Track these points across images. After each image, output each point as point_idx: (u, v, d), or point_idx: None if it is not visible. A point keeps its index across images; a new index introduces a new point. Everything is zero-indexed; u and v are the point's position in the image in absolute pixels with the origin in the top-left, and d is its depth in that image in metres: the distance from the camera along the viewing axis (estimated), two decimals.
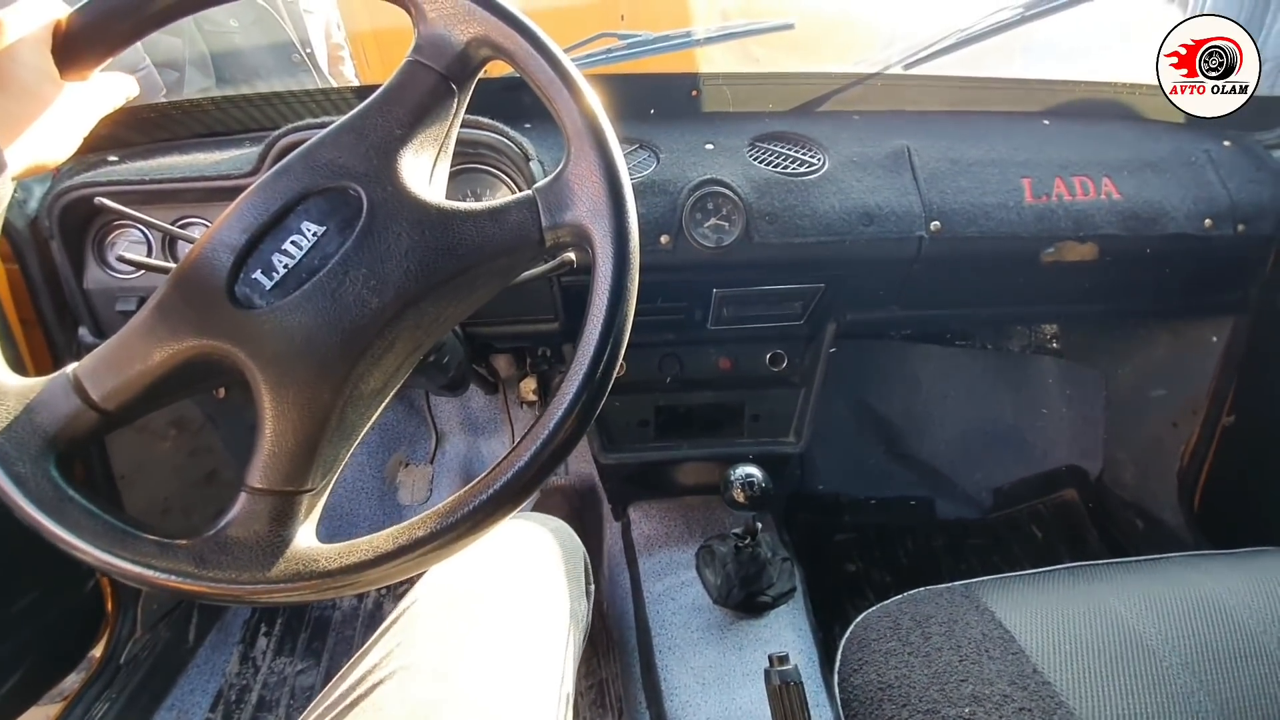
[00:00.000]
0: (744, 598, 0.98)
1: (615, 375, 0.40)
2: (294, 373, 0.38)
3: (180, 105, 0.85)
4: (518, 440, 0.40)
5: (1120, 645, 0.57)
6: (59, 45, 0.43)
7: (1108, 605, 0.61)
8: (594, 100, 0.42)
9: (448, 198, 0.43)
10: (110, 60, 0.46)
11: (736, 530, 0.96)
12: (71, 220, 0.76)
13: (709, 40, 0.90)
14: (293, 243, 0.39)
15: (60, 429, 0.37)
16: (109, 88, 0.48)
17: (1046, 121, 0.93)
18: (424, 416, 1.47)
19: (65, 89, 0.44)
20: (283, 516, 0.38)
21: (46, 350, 0.84)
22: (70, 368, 0.39)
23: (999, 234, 0.82)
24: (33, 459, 0.37)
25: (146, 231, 0.78)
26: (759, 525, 0.95)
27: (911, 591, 0.68)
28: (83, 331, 0.81)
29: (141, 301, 0.76)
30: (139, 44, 0.54)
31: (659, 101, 0.89)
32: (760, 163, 0.83)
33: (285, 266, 0.39)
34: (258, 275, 0.39)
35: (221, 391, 1.10)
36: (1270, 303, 0.97)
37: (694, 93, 0.89)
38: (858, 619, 0.66)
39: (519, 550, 0.66)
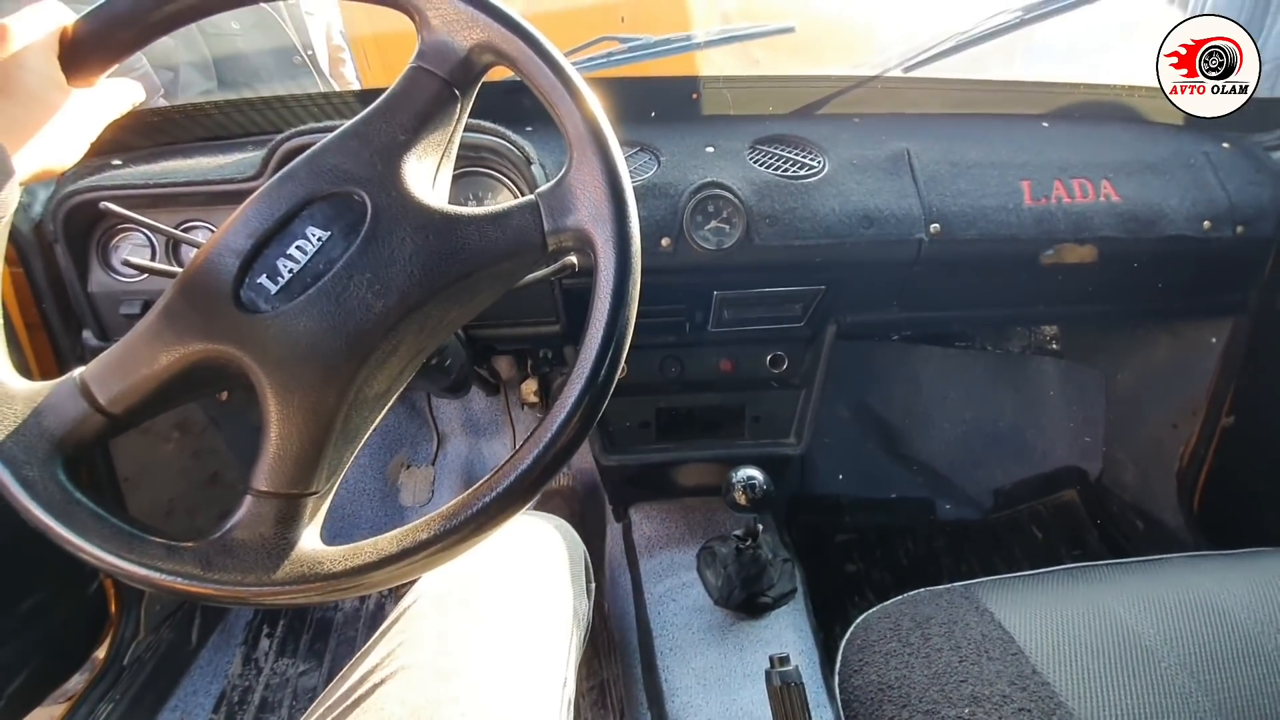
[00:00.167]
0: (745, 599, 0.98)
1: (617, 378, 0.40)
2: (299, 377, 0.38)
3: (183, 109, 0.86)
4: (521, 443, 0.40)
5: (1119, 646, 0.57)
6: (65, 52, 0.44)
7: (1107, 606, 0.61)
8: (596, 106, 0.42)
9: (449, 201, 0.44)
10: (116, 66, 0.47)
11: (737, 531, 0.97)
12: (76, 224, 0.76)
13: (709, 43, 0.90)
14: (298, 248, 0.40)
15: (67, 433, 0.38)
16: (115, 93, 0.49)
17: (1046, 124, 0.94)
18: (425, 418, 1.47)
19: (71, 95, 0.45)
20: (288, 519, 0.38)
21: (51, 354, 0.84)
22: (77, 372, 0.39)
23: (998, 236, 0.83)
24: (41, 462, 0.37)
25: (150, 235, 0.78)
26: (760, 526, 0.95)
27: (912, 592, 0.68)
28: (87, 335, 0.81)
29: (146, 305, 0.77)
30: None
31: (660, 104, 0.89)
32: (760, 165, 0.83)
33: (290, 271, 0.39)
34: (263, 280, 0.39)
35: (224, 394, 1.11)
36: (1269, 304, 0.97)
37: (694, 96, 0.90)
38: (858, 620, 0.67)
39: (520, 549, 0.66)
